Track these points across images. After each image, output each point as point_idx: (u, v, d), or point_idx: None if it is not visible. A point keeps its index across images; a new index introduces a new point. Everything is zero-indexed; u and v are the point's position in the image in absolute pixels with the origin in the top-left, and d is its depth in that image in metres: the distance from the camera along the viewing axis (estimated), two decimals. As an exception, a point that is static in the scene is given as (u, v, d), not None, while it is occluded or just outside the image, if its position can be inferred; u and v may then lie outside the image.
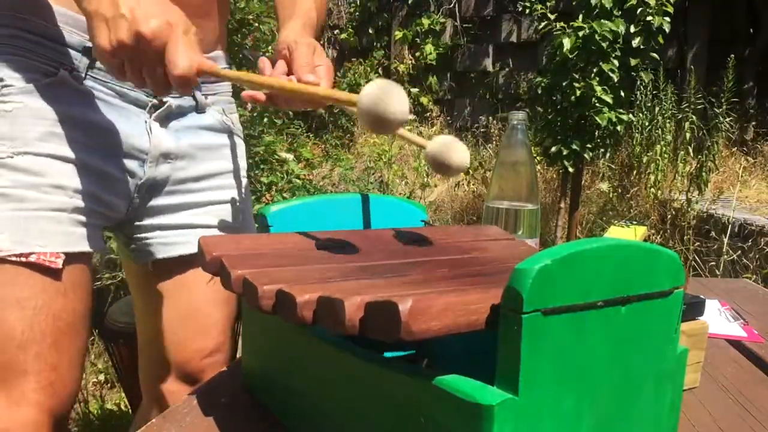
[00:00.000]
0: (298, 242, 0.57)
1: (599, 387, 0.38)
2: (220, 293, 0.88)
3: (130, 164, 0.78)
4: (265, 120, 2.52)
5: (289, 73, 0.72)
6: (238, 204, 0.90)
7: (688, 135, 2.95)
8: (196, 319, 0.87)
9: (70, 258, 0.70)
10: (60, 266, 0.69)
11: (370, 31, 5.09)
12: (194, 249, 0.79)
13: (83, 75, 0.73)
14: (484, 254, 0.58)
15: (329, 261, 0.53)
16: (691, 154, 2.92)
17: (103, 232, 0.81)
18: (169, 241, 0.85)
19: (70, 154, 0.71)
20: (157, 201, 0.83)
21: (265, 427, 0.55)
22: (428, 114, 4.86)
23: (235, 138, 0.93)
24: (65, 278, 0.70)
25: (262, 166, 2.41)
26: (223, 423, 0.56)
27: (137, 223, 0.84)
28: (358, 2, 5.13)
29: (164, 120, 0.81)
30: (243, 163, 0.95)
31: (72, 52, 0.72)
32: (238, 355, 0.77)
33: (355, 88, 4.64)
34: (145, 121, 0.79)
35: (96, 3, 0.58)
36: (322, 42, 5.32)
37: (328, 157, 3.51)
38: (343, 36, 5.17)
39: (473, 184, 3.84)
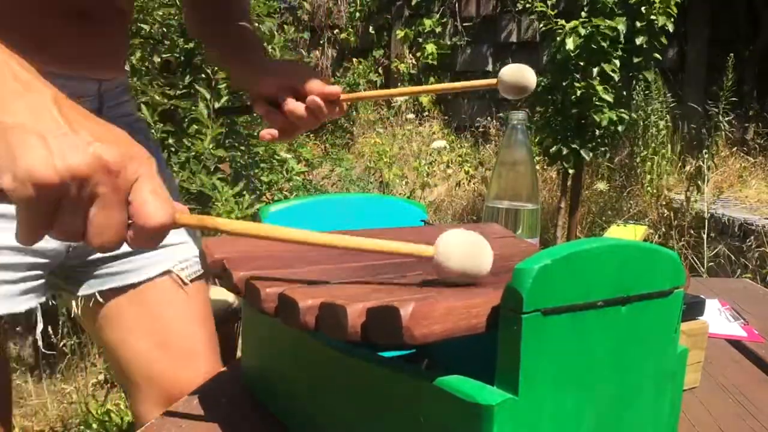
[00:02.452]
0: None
1: (599, 387, 0.38)
2: (198, 309, 0.82)
3: None
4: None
5: (299, 96, 0.72)
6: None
7: (681, 133, 2.94)
8: (174, 349, 0.79)
9: None
10: None
11: (371, 30, 5.09)
12: (148, 273, 0.78)
13: None
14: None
15: (330, 261, 0.53)
16: (684, 153, 2.92)
17: (46, 280, 0.72)
18: (117, 270, 0.78)
19: None
20: None
21: (265, 427, 0.55)
22: (428, 114, 4.86)
23: (144, 131, 0.85)
24: None
25: (262, 166, 2.41)
26: (223, 423, 0.55)
27: (78, 259, 0.76)
28: (358, 2, 5.13)
29: None
30: (159, 155, 0.86)
31: None
32: (238, 355, 0.77)
33: (354, 88, 4.65)
34: None
35: (23, 113, 0.37)
36: (321, 42, 5.32)
37: (328, 157, 3.51)
38: (343, 36, 5.17)
39: (473, 184, 3.84)
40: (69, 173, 0.36)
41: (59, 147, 0.36)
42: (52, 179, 0.35)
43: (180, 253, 0.81)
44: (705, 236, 2.76)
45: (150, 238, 0.41)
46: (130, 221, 0.40)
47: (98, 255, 0.76)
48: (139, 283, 0.78)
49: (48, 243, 0.69)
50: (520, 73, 0.69)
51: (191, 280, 0.81)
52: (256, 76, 0.75)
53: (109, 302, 0.78)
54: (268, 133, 0.73)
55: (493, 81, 0.71)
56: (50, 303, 0.77)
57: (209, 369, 0.79)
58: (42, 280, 0.72)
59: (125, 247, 0.64)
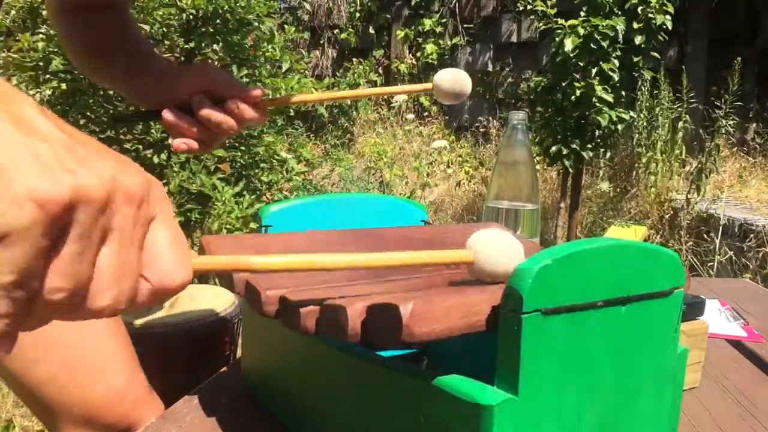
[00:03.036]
0: (299, 242, 0.57)
1: (599, 387, 0.38)
2: (106, 321, 0.75)
3: None
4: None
5: (216, 97, 0.64)
6: None
7: (681, 134, 2.94)
8: (86, 364, 0.73)
9: None
10: None
11: (371, 30, 5.09)
12: None
13: None
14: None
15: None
16: (695, 155, 2.92)
17: None
18: None
19: None
20: None
21: (265, 427, 0.55)
22: (428, 114, 4.86)
23: None
24: None
25: (262, 166, 2.42)
26: (223, 423, 0.55)
27: None
28: (359, 2, 5.13)
29: None
30: None
31: None
32: (238, 355, 0.77)
33: (355, 88, 4.65)
34: None
35: (4, 122, 0.26)
36: (321, 42, 5.32)
37: (328, 157, 3.51)
38: (343, 36, 5.17)
39: (473, 184, 3.84)
40: (83, 193, 0.26)
41: (66, 159, 0.26)
42: (61, 196, 0.25)
43: None
44: (705, 236, 2.75)
45: (158, 301, 0.31)
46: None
47: None
48: None
49: None
50: (455, 79, 0.68)
51: None
52: (169, 79, 0.67)
53: None
54: (183, 143, 0.64)
55: (428, 86, 0.69)
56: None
57: (125, 381, 0.75)
58: None
59: None
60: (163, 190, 0.31)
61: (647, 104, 3.18)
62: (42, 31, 2.17)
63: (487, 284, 0.39)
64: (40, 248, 0.25)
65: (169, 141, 2.15)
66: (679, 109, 3.14)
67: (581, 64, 2.57)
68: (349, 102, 4.69)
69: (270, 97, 0.67)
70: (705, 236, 2.77)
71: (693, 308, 0.65)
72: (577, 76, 2.59)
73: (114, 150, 0.30)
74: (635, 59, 2.61)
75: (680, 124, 3.04)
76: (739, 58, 2.82)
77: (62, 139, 0.27)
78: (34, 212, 0.24)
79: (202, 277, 2.08)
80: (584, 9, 2.57)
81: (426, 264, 0.39)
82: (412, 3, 4.91)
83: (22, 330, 0.27)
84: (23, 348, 0.70)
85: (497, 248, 0.39)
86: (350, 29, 5.17)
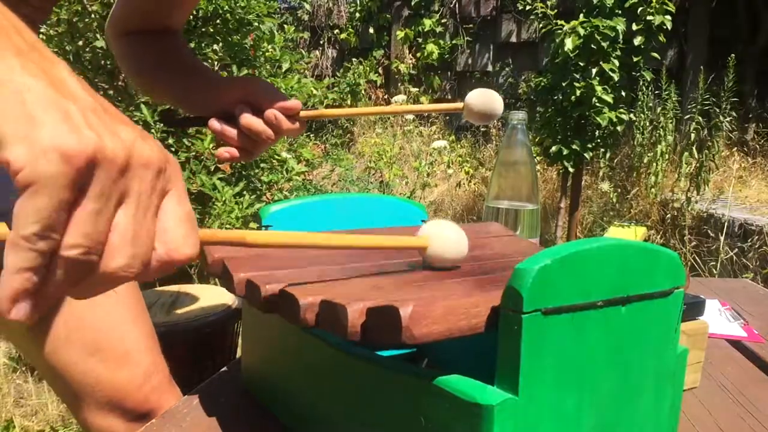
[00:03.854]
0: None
1: (599, 387, 0.38)
2: (129, 307, 0.78)
3: None
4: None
5: (256, 110, 0.68)
6: None
7: (693, 136, 2.95)
8: (108, 351, 0.75)
9: None
10: None
11: (371, 30, 5.09)
12: None
13: None
14: (486, 251, 0.58)
15: (330, 261, 0.53)
16: (695, 156, 2.92)
17: None
18: None
19: None
20: None
21: (265, 427, 0.55)
22: (428, 113, 4.86)
23: None
24: None
25: (262, 165, 2.41)
26: (223, 423, 0.56)
27: None
28: (359, 2, 5.13)
29: None
30: None
31: None
32: (238, 355, 0.77)
33: (354, 88, 4.65)
34: None
35: (39, 75, 0.28)
36: (321, 42, 5.33)
37: (328, 157, 3.51)
38: (343, 36, 5.17)
39: (473, 184, 3.84)
40: (107, 153, 0.27)
41: (92, 120, 0.28)
42: (85, 151, 0.26)
43: None
44: (705, 236, 2.75)
45: (163, 271, 0.31)
46: None
47: None
48: None
49: None
50: (488, 100, 0.68)
51: None
52: (215, 88, 0.72)
53: None
54: (226, 151, 0.69)
55: (459, 105, 0.69)
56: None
57: (147, 367, 0.78)
58: None
59: None
60: (179, 169, 0.32)
61: (648, 104, 3.18)
62: (42, 31, 2.17)
63: (437, 270, 0.47)
64: (63, 200, 0.26)
65: (169, 141, 2.15)
66: (686, 111, 3.14)
67: (581, 64, 2.57)
68: (349, 102, 4.69)
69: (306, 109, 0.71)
70: (705, 236, 2.77)
71: (693, 308, 0.65)
72: (577, 77, 2.59)
73: None
74: (635, 59, 2.62)
75: (692, 125, 3.04)
76: (733, 55, 2.82)
77: (90, 103, 0.29)
78: (59, 164, 0.26)
79: (202, 277, 2.08)
80: (584, 10, 2.57)
81: (386, 247, 0.47)
82: (412, 3, 4.91)
83: (41, 302, 0.27)
84: (55, 327, 0.72)
85: (448, 238, 0.46)
86: (350, 29, 5.17)
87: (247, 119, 0.67)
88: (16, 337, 0.76)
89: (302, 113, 0.69)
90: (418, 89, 4.86)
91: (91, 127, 0.27)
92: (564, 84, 2.63)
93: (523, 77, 4.64)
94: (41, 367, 0.76)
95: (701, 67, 3.25)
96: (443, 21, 4.89)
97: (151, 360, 0.79)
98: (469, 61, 4.89)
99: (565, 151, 2.69)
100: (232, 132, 0.68)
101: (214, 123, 0.68)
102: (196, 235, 0.32)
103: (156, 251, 0.30)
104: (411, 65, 4.90)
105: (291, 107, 0.68)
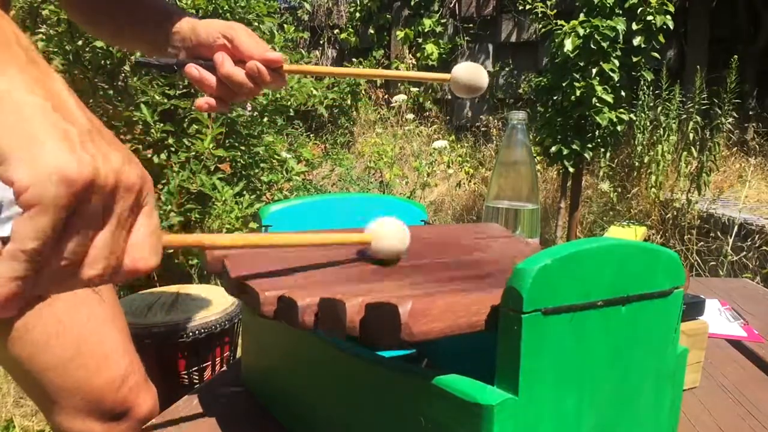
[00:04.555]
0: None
1: (599, 387, 0.38)
2: (109, 308, 0.77)
3: None
4: (266, 120, 2.52)
5: (237, 58, 0.65)
6: None
7: (692, 135, 2.95)
8: (90, 352, 0.74)
9: None
10: None
11: (371, 30, 5.09)
12: None
13: None
14: (485, 252, 0.58)
15: (330, 261, 0.53)
16: (695, 155, 2.92)
17: None
18: None
19: None
20: None
21: (265, 427, 0.55)
22: (428, 113, 4.86)
23: None
24: None
25: (262, 166, 2.42)
26: (223, 423, 0.55)
27: None
28: (359, 2, 5.13)
29: None
30: None
31: None
32: (238, 355, 0.76)
33: (354, 88, 4.65)
34: None
35: (39, 91, 0.30)
36: (321, 42, 5.32)
37: (328, 157, 3.51)
38: (343, 36, 5.17)
39: (473, 184, 3.84)
40: (101, 178, 0.29)
41: (89, 144, 0.29)
42: (85, 177, 0.28)
43: None
44: (705, 236, 2.75)
45: (127, 278, 0.34)
46: None
47: None
48: None
49: None
50: (474, 73, 0.68)
51: None
52: (191, 28, 0.67)
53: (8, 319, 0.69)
54: (205, 102, 0.65)
55: (446, 76, 0.69)
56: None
57: (126, 368, 0.77)
58: None
59: None
60: (151, 182, 0.34)
61: (648, 104, 3.18)
62: (42, 30, 2.17)
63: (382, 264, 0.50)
64: (61, 220, 0.28)
65: (169, 141, 2.15)
66: (687, 111, 3.14)
67: (581, 64, 2.57)
68: (349, 102, 4.69)
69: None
70: (705, 236, 2.77)
71: (693, 308, 0.65)
72: (577, 77, 2.59)
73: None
74: (635, 59, 2.62)
75: (690, 124, 3.04)
76: (736, 56, 2.82)
77: (86, 125, 0.31)
78: (61, 187, 0.28)
79: (202, 277, 2.08)
80: (584, 10, 2.57)
81: (333, 244, 0.51)
82: (412, 3, 4.91)
83: (25, 302, 0.30)
84: (34, 332, 0.71)
85: (388, 235, 0.51)
86: (350, 29, 5.17)
87: (228, 69, 0.64)
88: None
89: (285, 67, 0.66)
90: (418, 89, 4.86)
91: (87, 150, 0.29)
92: (564, 84, 2.63)
93: (523, 77, 4.64)
94: (16, 371, 0.74)
95: (701, 67, 3.25)
96: (443, 21, 4.89)
97: (128, 361, 0.78)
98: (469, 61, 4.88)
99: (565, 151, 2.69)
100: (211, 80, 0.65)
101: (191, 69, 0.64)
102: (160, 246, 0.34)
103: (124, 261, 0.33)
104: (411, 65, 4.89)
105: (274, 60, 0.65)
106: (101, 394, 0.75)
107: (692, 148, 2.98)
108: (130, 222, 0.32)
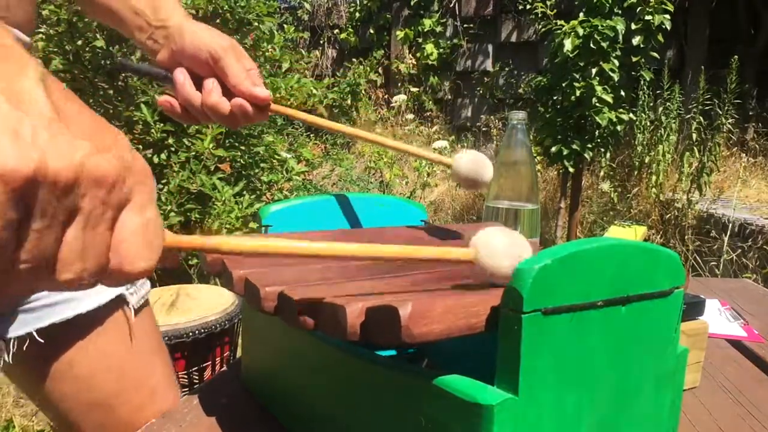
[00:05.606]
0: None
1: (599, 387, 0.38)
2: (153, 338, 0.72)
3: None
4: (265, 120, 2.52)
5: (222, 82, 0.61)
6: None
7: (694, 136, 2.95)
8: (138, 390, 0.69)
9: None
10: None
11: (371, 30, 5.09)
12: (98, 300, 0.64)
13: None
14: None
15: (330, 261, 0.53)
16: (697, 155, 2.92)
17: None
18: (57, 300, 0.62)
19: None
20: None
21: (264, 427, 0.55)
22: (428, 114, 4.86)
23: None
24: None
25: (262, 166, 2.41)
26: (223, 423, 0.55)
27: None
28: (359, 2, 5.13)
29: None
30: None
31: None
32: (238, 355, 0.76)
33: (355, 88, 4.65)
34: None
35: (11, 84, 0.29)
36: (321, 42, 5.32)
37: (328, 157, 3.51)
38: (343, 36, 5.17)
39: (473, 184, 3.83)
40: (49, 172, 0.27)
41: (41, 137, 0.27)
42: (23, 172, 0.26)
43: None
44: (705, 236, 2.76)
45: (120, 282, 0.31)
46: None
47: None
48: (86, 314, 0.63)
49: None
50: (475, 166, 0.62)
51: (140, 306, 0.69)
52: (179, 28, 0.62)
53: (50, 343, 0.62)
54: (167, 101, 0.61)
55: (449, 161, 0.64)
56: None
57: (170, 404, 0.70)
58: None
59: None
60: (145, 176, 0.31)
61: (649, 104, 3.18)
62: (42, 30, 2.17)
63: (490, 286, 0.39)
64: (8, 220, 0.26)
65: (169, 141, 2.15)
66: (688, 111, 3.14)
67: (581, 64, 2.57)
68: (349, 102, 4.69)
69: (274, 101, 0.64)
70: (705, 236, 2.77)
71: (693, 308, 0.65)
72: (577, 77, 2.59)
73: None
74: (634, 59, 2.62)
75: (694, 125, 3.04)
76: (736, 57, 2.82)
77: (45, 116, 0.28)
78: None
79: (202, 276, 2.08)
80: (584, 9, 2.57)
81: (426, 259, 0.39)
82: (412, 3, 4.91)
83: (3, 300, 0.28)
84: (76, 368, 0.65)
85: (500, 249, 0.38)
86: (350, 29, 5.17)
87: (215, 100, 0.60)
88: (24, 372, 0.66)
89: (272, 107, 0.63)
90: (418, 89, 4.86)
91: (36, 145, 0.27)
92: (564, 84, 2.63)
93: (523, 76, 4.64)
94: (53, 406, 0.67)
95: (701, 67, 3.25)
96: (443, 21, 4.89)
97: (173, 396, 0.72)
98: (469, 61, 4.89)
99: (565, 151, 2.69)
100: (195, 97, 0.61)
101: (178, 76, 0.61)
102: (153, 247, 0.31)
103: (110, 263, 0.30)
104: (411, 65, 4.89)
105: (261, 99, 0.62)
106: (137, 429, 0.67)
107: (695, 148, 2.98)
108: (107, 218, 0.30)
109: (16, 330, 0.60)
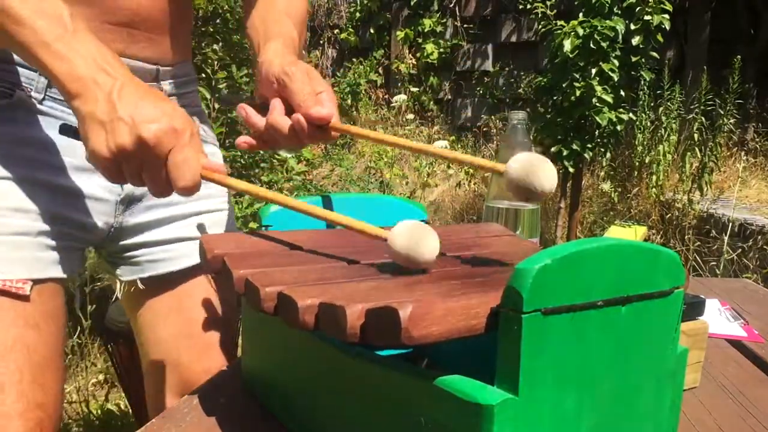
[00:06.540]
0: (299, 241, 0.57)
1: (599, 387, 0.38)
2: (218, 313, 0.84)
3: (103, 181, 0.65)
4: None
5: (288, 106, 0.65)
6: (223, 211, 0.86)
7: (696, 136, 2.95)
8: (197, 339, 0.83)
9: (40, 286, 0.66)
10: (28, 293, 0.64)
11: (371, 30, 5.09)
12: (185, 263, 0.82)
13: (42, 96, 0.68)
14: (486, 252, 0.58)
15: (330, 260, 0.53)
16: (698, 156, 2.92)
17: (84, 252, 0.77)
18: (157, 258, 0.81)
19: (32, 176, 0.67)
20: (140, 217, 0.78)
21: (265, 427, 0.55)
22: (429, 114, 4.86)
23: (210, 146, 0.89)
24: (36, 308, 0.65)
25: (262, 165, 2.41)
26: (223, 423, 0.55)
27: (121, 242, 0.79)
28: (359, 2, 5.13)
29: None
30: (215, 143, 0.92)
31: (28, 73, 0.67)
32: (238, 355, 0.77)
33: (355, 88, 4.65)
34: None
35: (92, 104, 0.53)
36: (321, 42, 5.32)
37: (328, 157, 3.51)
38: (343, 36, 5.17)
39: (473, 184, 3.84)
40: (118, 150, 0.54)
41: (113, 130, 0.53)
42: (106, 156, 0.54)
43: None
44: (705, 236, 2.76)
45: (186, 194, 0.56)
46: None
47: (136, 240, 0.80)
48: (176, 272, 0.81)
49: (88, 218, 0.73)
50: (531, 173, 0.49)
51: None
52: (263, 61, 0.68)
53: (147, 288, 0.82)
54: (244, 141, 0.68)
55: (501, 168, 0.52)
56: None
57: (223, 362, 0.83)
58: (78, 252, 0.74)
59: (166, 235, 0.81)
60: (181, 129, 0.55)
61: (649, 104, 3.17)
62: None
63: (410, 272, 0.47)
64: (112, 169, 0.56)
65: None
66: (690, 111, 3.14)
67: (581, 64, 2.57)
68: (349, 102, 4.69)
69: (337, 120, 0.65)
70: (705, 236, 2.77)
71: (693, 308, 0.65)
72: (577, 77, 2.59)
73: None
74: (634, 59, 2.61)
75: (695, 125, 3.04)
76: (739, 57, 2.82)
77: (114, 114, 0.54)
78: (98, 163, 0.56)
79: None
80: (583, 9, 2.57)
81: (353, 229, 0.52)
82: (412, 3, 4.90)
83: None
84: (158, 306, 0.83)
85: (404, 233, 0.47)
86: (350, 29, 5.17)
87: (275, 118, 0.64)
88: (129, 305, 0.86)
89: (332, 124, 0.64)
90: (418, 89, 4.86)
91: (113, 136, 0.54)
92: (564, 84, 2.63)
93: (523, 76, 4.64)
94: (141, 336, 0.86)
95: (702, 67, 3.25)
96: (443, 21, 4.89)
97: (226, 357, 0.84)
98: (469, 61, 4.89)
99: (565, 151, 2.69)
100: (259, 123, 0.66)
101: (240, 110, 0.68)
102: (190, 174, 0.55)
103: (169, 176, 0.55)
104: (411, 65, 4.89)
105: (320, 118, 0.63)
106: (197, 379, 0.77)
107: (696, 148, 2.98)
108: (159, 162, 0.55)
109: (127, 276, 0.82)
